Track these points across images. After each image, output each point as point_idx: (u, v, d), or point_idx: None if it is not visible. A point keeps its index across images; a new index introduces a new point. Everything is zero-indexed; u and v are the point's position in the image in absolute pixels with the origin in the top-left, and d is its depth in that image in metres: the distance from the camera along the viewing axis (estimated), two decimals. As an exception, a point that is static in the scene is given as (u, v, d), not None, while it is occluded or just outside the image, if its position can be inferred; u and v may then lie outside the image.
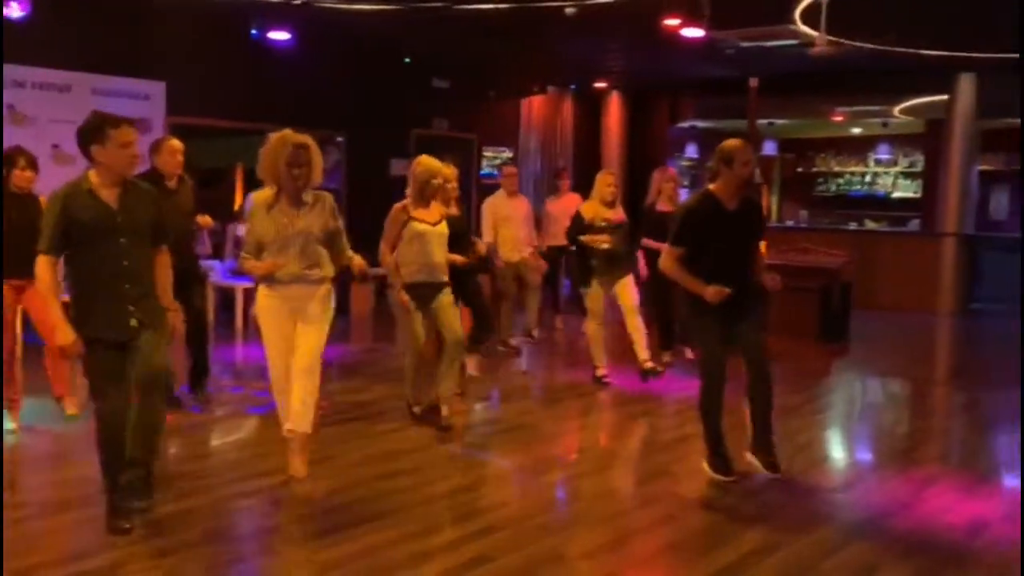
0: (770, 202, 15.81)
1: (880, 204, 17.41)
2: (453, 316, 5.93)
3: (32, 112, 8.94)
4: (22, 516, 4.19)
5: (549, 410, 6.68)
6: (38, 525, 4.14)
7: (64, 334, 3.92)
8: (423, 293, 5.87)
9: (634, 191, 15.04)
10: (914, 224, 15.56)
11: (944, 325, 12.14)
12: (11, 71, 8.69)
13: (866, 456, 6.04)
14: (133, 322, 4.01)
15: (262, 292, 4.83)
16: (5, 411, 5.61)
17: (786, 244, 11.32)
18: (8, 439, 5.40)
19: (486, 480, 5.16)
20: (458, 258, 6.17)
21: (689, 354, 8.02)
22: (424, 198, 5.85)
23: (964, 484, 5.16)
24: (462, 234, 6.63)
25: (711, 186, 4.97)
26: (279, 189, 4.71)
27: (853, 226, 15.84)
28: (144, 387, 4.01)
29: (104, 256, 3.96)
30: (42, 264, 3.95)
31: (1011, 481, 5.56)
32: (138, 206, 4.07)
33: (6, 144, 5.80)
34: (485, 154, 13.98)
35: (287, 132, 4.73)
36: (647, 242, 7.80)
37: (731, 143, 4.93)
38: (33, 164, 5.67)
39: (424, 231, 5.81)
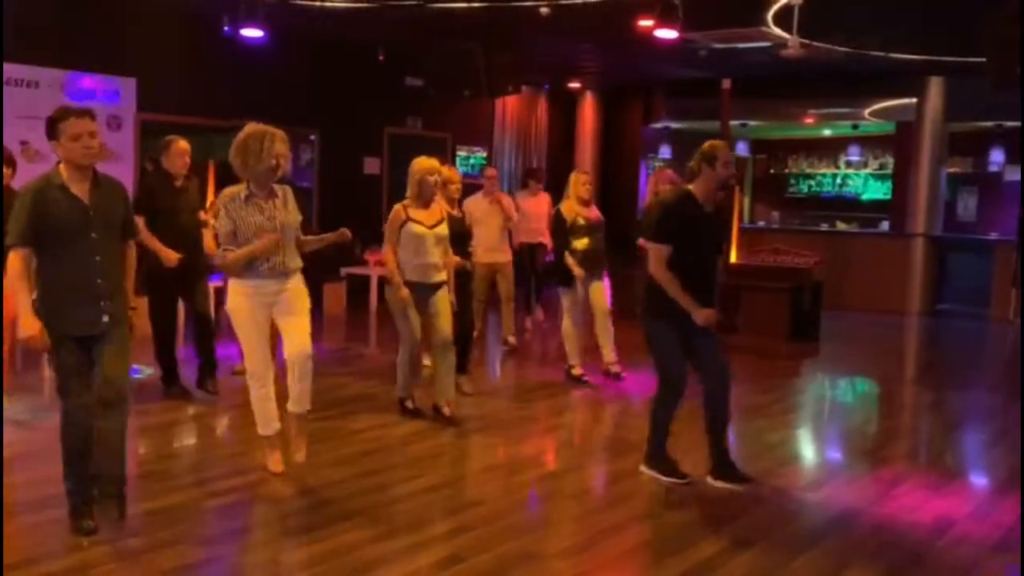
0: (742, 203, 15.89)
1: (850, 205, 17.60)
2: (444, 319, 5.96)
3: None
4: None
5: (521, 410, 6.68)
6: (6, 526, 4.09)
7: (29, 325, 3.85)
8: (417, 294, 5.89)
9: (608, 191, 15.15)
10: (884, 225, 15.74)
11: (912, 325, 12.28)
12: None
13: (835, 455, 6.11)
14: (105, 318, 3.98)
15: (237, 289, 4.77)
16: None
17: (758, 245, 11.41)
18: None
19: (458, 479, 5.17)
20: (455, 259, 6.19)
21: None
22: (423, 198, 5.87)
23: (931, 483, 5.23)
24: (464, 235, 6.64)
25: (689, 186, 4.87)
26: (250, 181, 4.70)
27: (824, 227, 15.99)
28: (107, 402, 3.96)
29: (76, 252, 3.91)
30: (12, 257, 3.88)
31: (977, 479, 5.66)
32: (108, 200, 4.02)
33: None
34: (459, 153, 13.96)
35: (259, 125, 4.73)
36: (644, 243, 7.78)
37: (715, 143, 4.82)
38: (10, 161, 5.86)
39: (420, 233, 5.82)
